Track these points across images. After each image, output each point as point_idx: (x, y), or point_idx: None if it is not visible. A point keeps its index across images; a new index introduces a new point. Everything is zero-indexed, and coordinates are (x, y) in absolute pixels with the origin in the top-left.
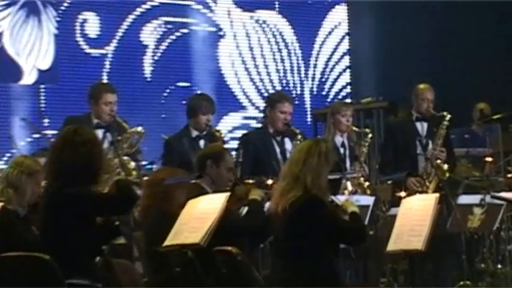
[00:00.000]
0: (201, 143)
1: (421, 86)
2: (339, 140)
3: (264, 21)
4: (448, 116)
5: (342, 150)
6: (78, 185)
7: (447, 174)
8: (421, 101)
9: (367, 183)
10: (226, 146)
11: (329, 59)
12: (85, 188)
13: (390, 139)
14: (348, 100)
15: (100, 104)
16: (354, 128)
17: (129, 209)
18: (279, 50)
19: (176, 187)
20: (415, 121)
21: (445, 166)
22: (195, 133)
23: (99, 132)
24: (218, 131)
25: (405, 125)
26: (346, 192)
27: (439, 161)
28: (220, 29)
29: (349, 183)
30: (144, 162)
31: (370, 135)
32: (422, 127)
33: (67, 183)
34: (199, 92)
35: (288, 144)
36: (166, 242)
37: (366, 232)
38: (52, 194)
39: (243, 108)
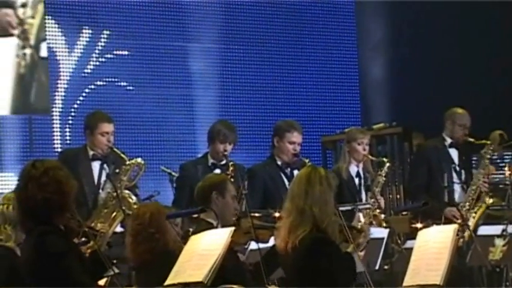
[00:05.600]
0: (217, 172)
1: (459, 110)
2: (353, 169)
3: None
4: (492, 146)
5: (357, 180)
6: (54, 218)
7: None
8: (458, 127)
9: (383, 216)
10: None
11: (337, 81)
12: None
13: (423, 165)
14: (359, 126)
15: (96, 134)
16: (370, 157)
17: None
18: None
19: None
20: (448, 147)
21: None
22: (211, 161)
23: (96, 165)
24: (234, 165)
25: (439, 151)
26: (359, 224)
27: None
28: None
29: (361, 215)
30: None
31: (387, 165)
32: (454, 154)
33: (42, 220)
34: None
35: None
36: (168, 281)
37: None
38: (34, 245)
39: None
